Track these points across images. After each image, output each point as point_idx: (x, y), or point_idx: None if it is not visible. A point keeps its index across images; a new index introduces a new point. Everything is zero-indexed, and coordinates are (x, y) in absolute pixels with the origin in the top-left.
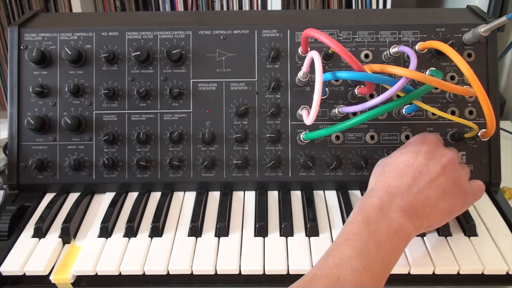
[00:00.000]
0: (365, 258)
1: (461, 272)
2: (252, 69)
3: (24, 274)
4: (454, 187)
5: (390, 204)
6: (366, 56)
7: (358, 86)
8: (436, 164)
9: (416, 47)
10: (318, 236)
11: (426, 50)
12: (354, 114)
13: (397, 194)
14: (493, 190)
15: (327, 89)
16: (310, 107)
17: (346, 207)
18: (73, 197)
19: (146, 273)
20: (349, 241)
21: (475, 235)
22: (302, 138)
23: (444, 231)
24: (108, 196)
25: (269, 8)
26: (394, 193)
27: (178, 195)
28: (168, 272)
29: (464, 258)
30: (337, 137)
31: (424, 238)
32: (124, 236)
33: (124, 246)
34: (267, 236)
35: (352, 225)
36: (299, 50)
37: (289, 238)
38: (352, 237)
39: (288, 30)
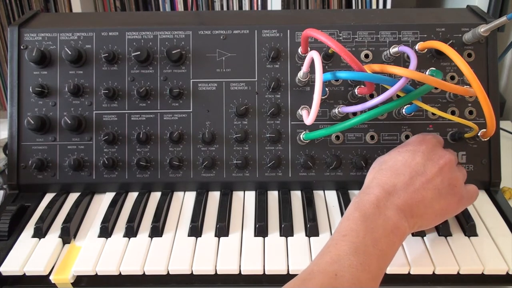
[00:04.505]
0: (362, 255)
1: (461, 272)
2: (252, 69)
3: (24, 274)
4: (450, 189)
5: (386, 202)
6: (366, 56)
7: (358, 86)
8: (433, 165)
9: (416, 47)
10: (318, 236)
11: (426, 50)
12: (354, 114)
13: (393, 192)
14: (493, 190)
15: (327, 89)
16: (310, 107)
17: (346, 207)
18: (73, 197)
19: (146, 273)
20: (346, 237)
21: (475, 235)
22: (302, 138)
23: (444, 231)
24: (108, 196)
25: (269, 8)
26: (390, 191)
27: (178, 195)
28: (168, 272)
29: (464, 258)
30: (337, 137)
31: (424, 238)
32: (124, 236)
33: (124, 246)
34: (267, 236)
35: (349, 221)
36: (299, 50)
37: (289, 238)
38: (349, 233)
39: (288, 30)
